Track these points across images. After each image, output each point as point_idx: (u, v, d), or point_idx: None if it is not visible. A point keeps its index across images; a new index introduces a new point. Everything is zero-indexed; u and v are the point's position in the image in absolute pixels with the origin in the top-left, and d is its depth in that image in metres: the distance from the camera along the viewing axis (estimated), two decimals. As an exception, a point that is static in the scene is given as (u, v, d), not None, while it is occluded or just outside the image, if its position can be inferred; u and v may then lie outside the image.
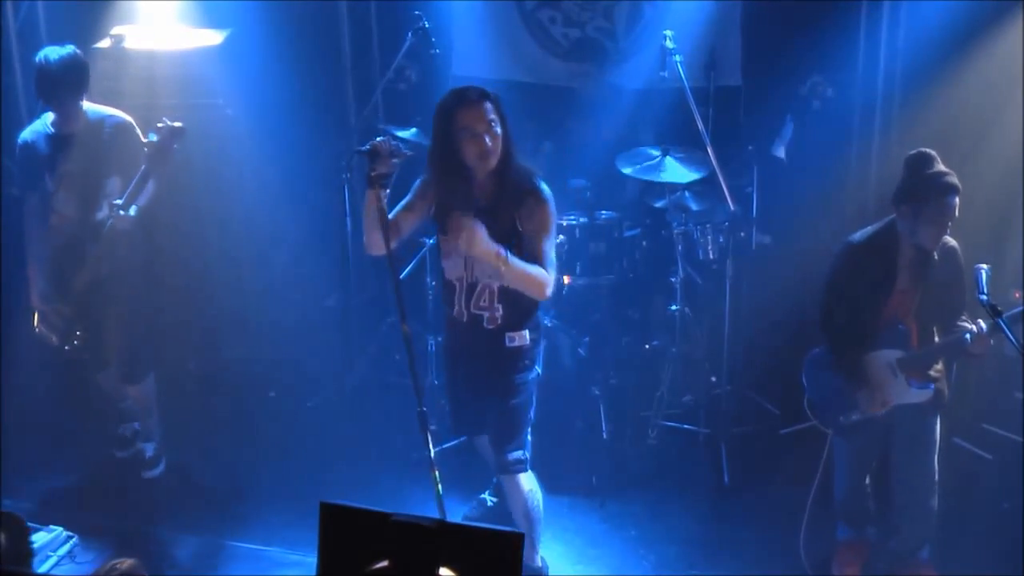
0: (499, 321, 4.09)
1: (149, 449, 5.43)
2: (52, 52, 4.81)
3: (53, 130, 4.96)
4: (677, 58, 5.37)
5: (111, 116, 4.99)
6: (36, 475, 5.30)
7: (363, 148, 3.81)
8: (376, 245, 3.91)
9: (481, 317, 4.10)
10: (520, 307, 4.09)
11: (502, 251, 3.84)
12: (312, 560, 2.59)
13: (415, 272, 5.82)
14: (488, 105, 3.90)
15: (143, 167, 4.73)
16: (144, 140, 4.75)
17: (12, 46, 6.13)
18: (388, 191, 3.87)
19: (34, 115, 6.26)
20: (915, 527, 4.46)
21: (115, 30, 5.92)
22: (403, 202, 4.09)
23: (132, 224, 4.80)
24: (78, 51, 4.85)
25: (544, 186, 4.03)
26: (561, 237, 5.61)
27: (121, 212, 4.76)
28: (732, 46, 6.41)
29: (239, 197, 5.95)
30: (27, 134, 5.02)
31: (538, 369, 4.27)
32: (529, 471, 4.32)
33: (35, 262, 5.08)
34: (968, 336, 4.15)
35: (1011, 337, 3.88)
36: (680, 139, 5.70)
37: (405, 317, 3.81)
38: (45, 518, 4.96)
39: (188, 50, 5.85)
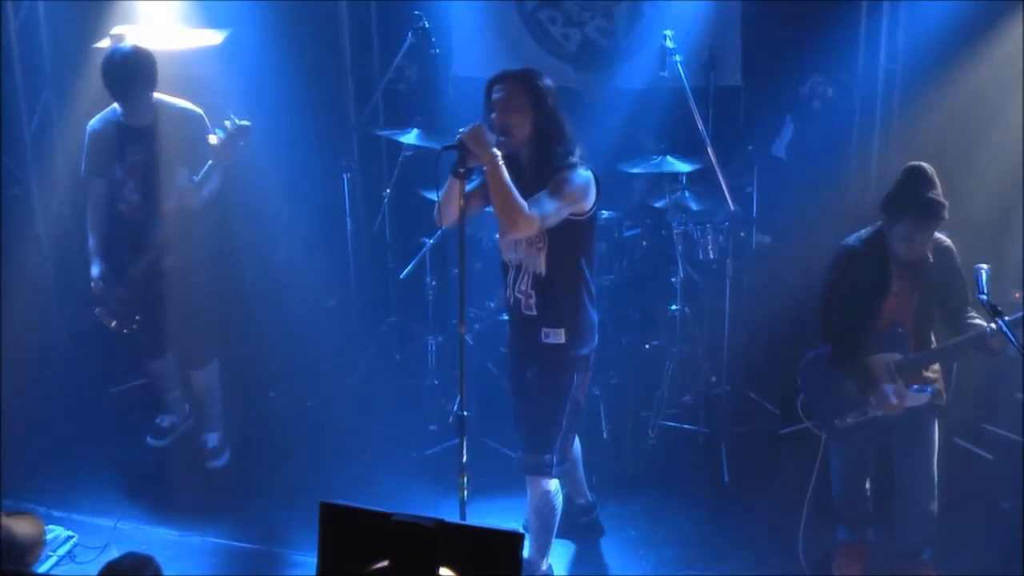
0: (534, 310, 4.12)
1: (212, 439, 5.49)
2: (118, 51, 4.93)
3: (124, 120, 5.07)
4: (677, 58, 5.37)
5: (181, 107, 5.11)
6: (37, 475, 5.30)
7: (450, 144, 3.82)
8: (448, 221, 3.99)
9: (520, 302, 4.15)
10: (553, 298, 4.09)
11: (498, 156, 3.83)
12: (312, 560, 2.60)
13: (415, 272, 5.81)
14: (508, 84, 4.01)
15: (209, 162, 4.90)
16: (212, 136, 4.88)
17: (12, 46, 6.12)
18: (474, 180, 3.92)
19: (33, 115, 6.31)
20: (916, 529, 4.45)
21: (115, 30, 5.92)
22: (473, 183, 4.02)
23: (200, 204, 5.01)
24: (141, 48, 4.97)
25: (582, 168, 4.01)
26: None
27: (193, 190, 4.97)
28: (732, 46, 6.39)
29: (239, 197, 5.95)
30: (96, 123, 5.16)
31: (576, 378, 4.20)
32: (553, 479, 4.28)
33: (96, 245, 5.22)
34: (989, 331, 4.09)
35: (1011, 338, 3.88)
36: (680, 139, 5.70)
37: (464, 317, 3.80)
38: (45, 518, 4.97)
39: (188, 50, 5.86)
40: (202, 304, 5.30)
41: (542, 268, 4.08)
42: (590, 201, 4.03)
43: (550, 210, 3.91)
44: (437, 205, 4.03)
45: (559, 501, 4.36)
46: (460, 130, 3.84)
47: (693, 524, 5.04)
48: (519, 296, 4.16)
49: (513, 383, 4.39)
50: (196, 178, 4.98)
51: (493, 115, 4.00)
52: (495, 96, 4.03)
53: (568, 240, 4.05)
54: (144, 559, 2.94)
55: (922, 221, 4.08)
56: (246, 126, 4.85)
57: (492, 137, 3.86)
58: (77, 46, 6.11)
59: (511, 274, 4.19)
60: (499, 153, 3.84)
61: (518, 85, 4.01)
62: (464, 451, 3.83)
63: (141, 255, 5.15)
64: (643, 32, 6.45)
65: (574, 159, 4.01)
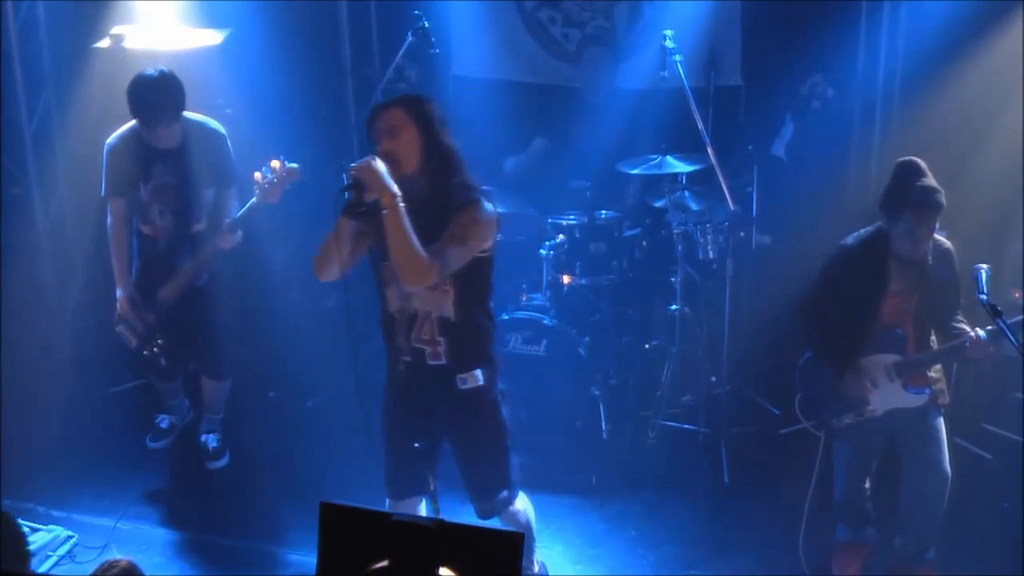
0: (443, 357, 3.80)
1: (213, 440, 5.51)
2: (146, 77, 4.84)
3: (149, 142, 4.97)
4: (677, 58, 5.38)
5: (205, 126, 5.06)
6: (37, 475, 5.29)
7: (347, 184, 3.54)
8: (332, 274, 3.68)
9: (423, 352, 3.81)
10: (465, 341, 3.81)
11: (399, 195, 3.52)
12: (312, 560, 2.60)
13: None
14: (393, 110, 3.69)
15: (254, 199, 4.81)
16: (257, 174, 4.78)
17: (12, 46, 6.13)
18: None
19: (33, 115, 6.31)
20: (923, 529, 4.46)
21: (115, 30, 5.93)
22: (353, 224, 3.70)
23: (235, 244, 5.00)
24: (168, 72, 4.89)
25: (486, 203, 3.73)
26: (561, 237, 5.62)
27: (230, 234, 4.94)
28: (732, 46, 6.40)
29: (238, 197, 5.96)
30: (115, 140, 5.03)
31: (505, 413, 3.96)
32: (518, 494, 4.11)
33: (121, 266, 5.14)
34: (967, 342, 4.15)
35: (1011, 338, 3.89)
36: (680, 139, 5.71)
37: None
38: (45, 518, 4.98)
39: (188, 50, 5.86)
40: (227, 321, 5.33)
41: (450, 312, 3.76)
42: (494, 235, 3.78)
43: (454, 258, 3.63)
44: (320, 255, 3.67)
45: (530, 511, 4.21)
46: (351, 165, 3.57)
47: (693, 524, 5.04)
48: (420, 346, 3.80)
49: (415, 441, 3.74)
50: (231, 220, 4.95)
51: (379, 148, 3.65)
52: (379, 126, 3.68)
53: (476, 277, 3.78)
54: (126, 568, 2.89)
55: (923, 211, 4.08)
56: (295, 168, 4.74)
57: (385, 170, 3.54)
58: (77, 46, 6.11)
59: (402, 325, 3.81)
60: (399, 193, 3.53)
61: (402, 111, 3.68)
62: (433, 482, 3.66)
63: (171, 278, 5.11)
64: (643, 32, 6.46)
65: (477, 194, 3.72)
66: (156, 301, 5.13)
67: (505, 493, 4.02)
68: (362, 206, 3.52)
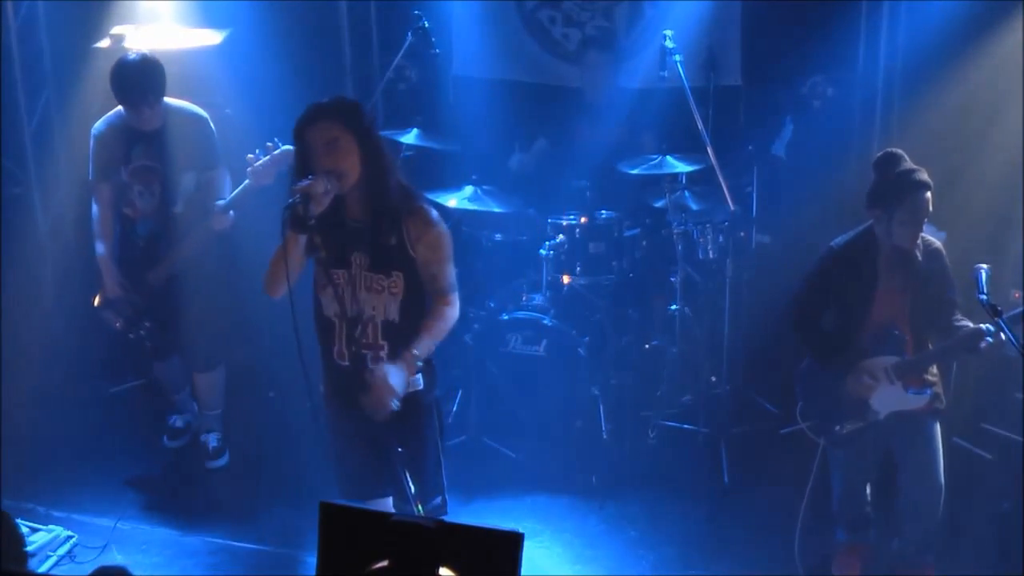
0: (385, 361, 3.70)
1: (213, 440, 5.51)
2: (126, 60, 4.91)
3: (131, 124, 5.04)
4: (677, 58, 5.38)
5: (186, 110, 5.10)
6: (37, 475, 5.30)
7: (294, 200, 3.44)
8: (283, 290, 3.62)
9: (365, 356, 3.69)
10: (406, 343, 3.72)
11: (410, 356, 3.61)
12: (311, 560, 2.60)
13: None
14: (330, 125, 3.58)
15: (247, 181, 4.76)
16: (250, 156, 4.75)
17: (12, 46, 6.13)
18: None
19: (33, 115, 6.31)
20: (920, 532, 4.45)
21: (115, 30, 5.94)
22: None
23: (227, 226, 5.00)
24: (149, 56, 4.96)
25: (430, 208, 3.73)
26: (561, 237, 5.62)
27: (221, 215, 4.95)
28: (732, 46, 6.40)
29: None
30: (101, 125, 5.11)
31: (437, 419, 3.92)
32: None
33: (107, 249, 5.18)
34: (987, 330, 4.06)
35: (1011, 337, 3.88)
36: (680, 139, 5.71)
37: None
38: (45, 518, 4.98)
39: (187, 50, 5.86)
40: (213, 308, 5.31)
41: (396, 315, 3.70)
42: None
43: (451, 274, 3.73)
44: (272, 275, 3.66)
45: None
46: (297, 185, 3.48)
47: (693, 524, 5.04)
48: (363, 351, 3.69)
49: (364, 446, 3.81)
50: (223, 201, 4.95)
51: (322, 165, 3.54)
52: (315, 141, 3.57)
53: (427, 277, 3.75)
54: (119, 574, 2.89)
55: (921, 192, 4.13)
56: (289, 150, 4.62)
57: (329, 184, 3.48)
58: (77, 46, 6.11)
59: (341, 330, 3.72)
60: (414, 351, 3.61)
61: (339, 125, 3.58)
62: (410, 484, 3.63)
63: (155, 262, 5.15)
64: (643, 32, 6.46)
65: (420, 201, 3.71)
66: (144, 284, 5.16)
67: (439, 500, 3.95)
68: (310, 219, 3.44)
